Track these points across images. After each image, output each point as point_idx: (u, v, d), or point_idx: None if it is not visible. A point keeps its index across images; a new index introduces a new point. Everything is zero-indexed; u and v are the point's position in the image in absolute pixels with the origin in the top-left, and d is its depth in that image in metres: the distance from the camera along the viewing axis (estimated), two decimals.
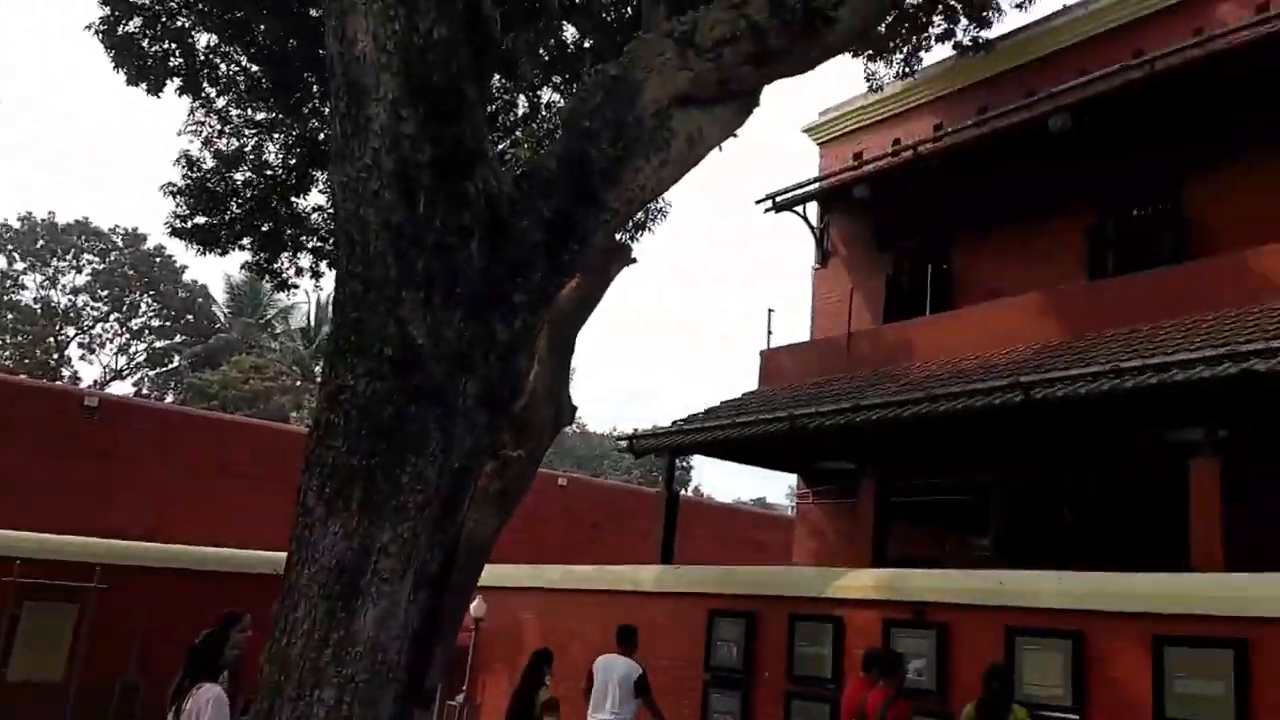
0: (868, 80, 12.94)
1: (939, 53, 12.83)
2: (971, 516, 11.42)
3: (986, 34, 12.36)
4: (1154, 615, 6.68)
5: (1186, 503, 8.55)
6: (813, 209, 15.11)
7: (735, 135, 4.51)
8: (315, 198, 10.32)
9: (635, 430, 13.79)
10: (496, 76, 9.58)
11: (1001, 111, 12.20)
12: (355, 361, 3.10)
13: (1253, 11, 10.65)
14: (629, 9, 9.28)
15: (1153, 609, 6.71)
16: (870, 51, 12.13)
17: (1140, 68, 10.71)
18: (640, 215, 10.06)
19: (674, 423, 13.27)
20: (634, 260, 8.72)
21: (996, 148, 12.10)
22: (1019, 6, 11.95)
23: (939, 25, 12.02)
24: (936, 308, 13.46)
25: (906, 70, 12.58)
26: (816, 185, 14.74)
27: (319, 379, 3.57)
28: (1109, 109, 10.92)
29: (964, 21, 12.00)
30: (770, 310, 15.22)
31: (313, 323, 35.42)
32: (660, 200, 10.32)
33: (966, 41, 12.37)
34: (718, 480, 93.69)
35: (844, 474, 12.81)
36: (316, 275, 10.74)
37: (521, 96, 10.30)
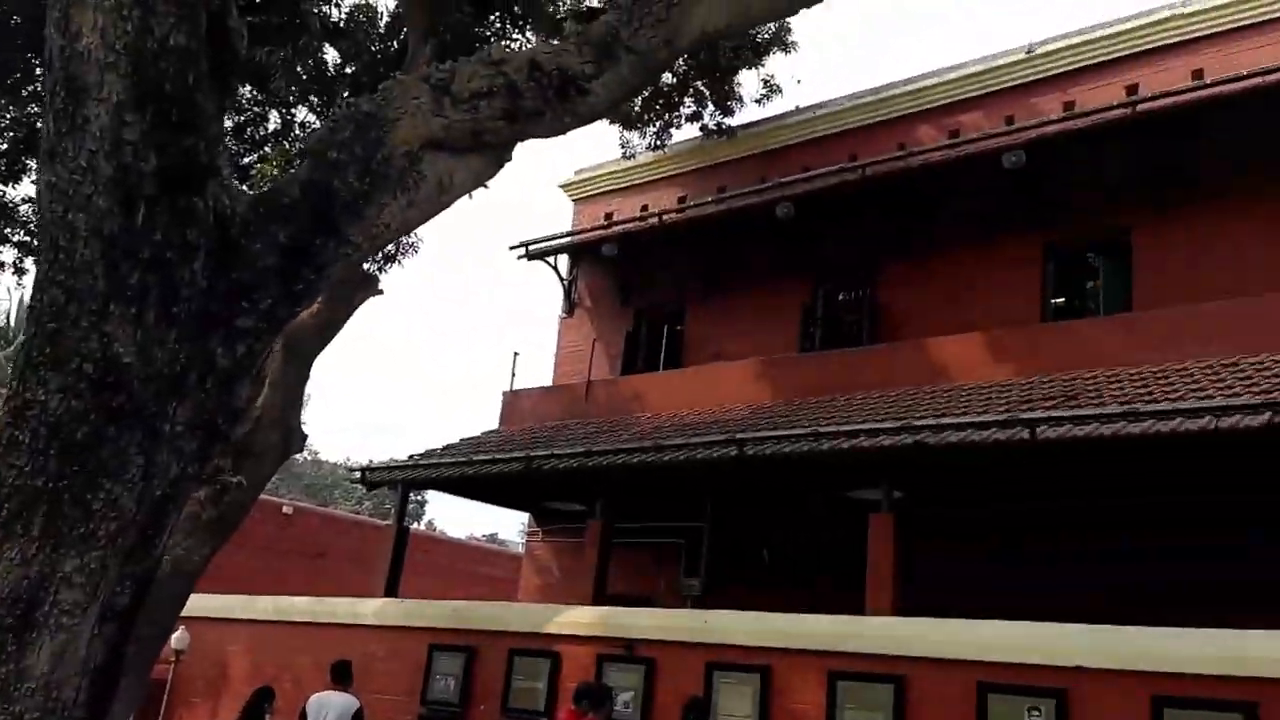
0: (622, 147, 13.90)
1: (688, 131, 14.00)
2: (685, 559, 12.17)
3: (730, 121, 13.74)
4: (830, 653, 7.52)
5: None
6: (564, 261, 15.66)
7: (486, 186, 4.64)
8: (27, 188, 9.38)
9: (370, 462, 13.43)
10: (248, 89, 9.20)
11: (738, 193, 13.45)
12: (49, 376, 2.90)
13: (946, 136, 12.52)
14: (395, 43, 9.30)
15: (828, 647, 7.56)
16: (625, 122, 12.96)
17: (853, 171, 12.26)
18: (391, 248, 9.98)
19: (410, 457, 13.08)
20: (380, 291, 8.66)
21: (731, 225, 13.29)
22: (758, 101, 13.42)
23: (689, 107, 13.18)
24: (669, 364, 14.42)
25: (658, 143, 13.65)
26: (568, 239, 15.34)
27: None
28: (825, 203, 12.38)
29: (711, 107, 13.26)
30: (516, 353, 15.48)
31: (12, 322, 31.24)
32: (412, 235, 10.30)
33: (712, 125, 13.67)
34: (453, 514, 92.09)
35: (573, 514, 13.21)
36: (20, 271, 9.84)
37: (274, 112, 9.95)
